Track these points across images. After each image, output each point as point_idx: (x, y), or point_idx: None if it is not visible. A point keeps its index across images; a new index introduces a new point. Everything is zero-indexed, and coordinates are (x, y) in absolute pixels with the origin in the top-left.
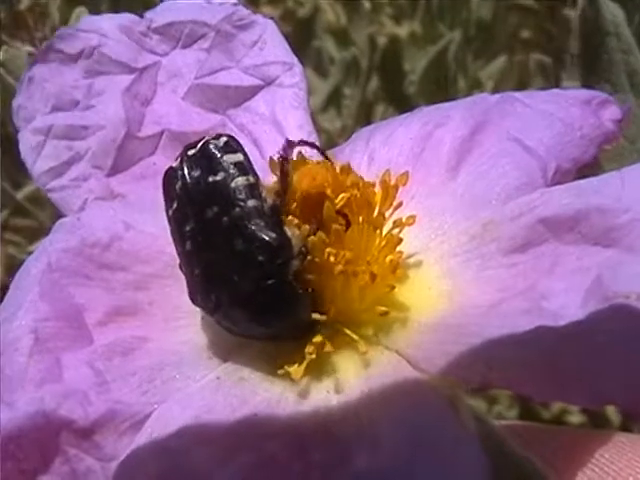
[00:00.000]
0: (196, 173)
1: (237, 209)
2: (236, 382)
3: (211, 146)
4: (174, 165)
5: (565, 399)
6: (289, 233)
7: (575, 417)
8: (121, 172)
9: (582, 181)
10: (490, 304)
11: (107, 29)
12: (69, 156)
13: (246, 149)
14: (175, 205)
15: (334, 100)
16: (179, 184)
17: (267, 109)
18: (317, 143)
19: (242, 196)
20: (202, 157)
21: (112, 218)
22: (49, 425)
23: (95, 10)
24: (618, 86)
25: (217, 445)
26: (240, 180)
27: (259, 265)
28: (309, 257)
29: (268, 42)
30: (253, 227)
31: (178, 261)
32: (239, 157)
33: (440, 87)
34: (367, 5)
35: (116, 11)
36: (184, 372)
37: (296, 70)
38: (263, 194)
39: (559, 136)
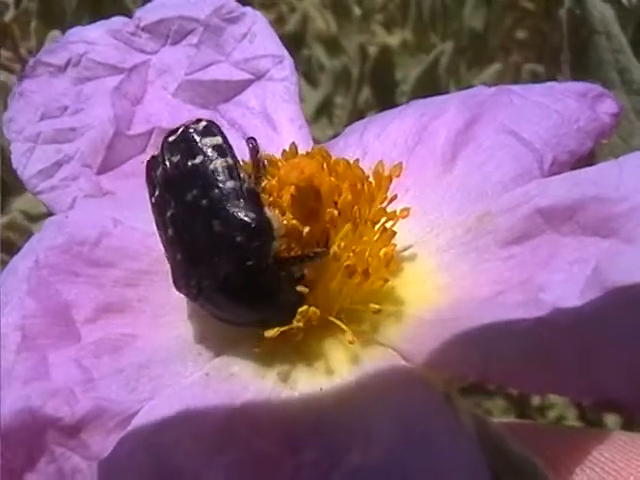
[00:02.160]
0: (176, 158)
1: (216, 190)
2: (226, 378)
3: (190, 131)
4: (155, 153)
5: (564, 393)
6: (269, 214)
7: (572, 424)
8: (110, 170)
9: (579, 171)
10: (486, 297)
11: (94, 36)
12: (58, 158)
13: (235, 142)
14: (157, 192)
15: (325, 109)
16: (160, 170)
17: (258, 103)
18: (309, 136)
19: (221, 177)
20: (181, 142)
21: (101, 215)
22: (35, 423)
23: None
24: (609, 83)
25: (206, 441)
26: (218, 162)
27: (238, 246)
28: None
29: (258, 35)
30: (231, 208)
31: (164, 250)
32: (218, 140)
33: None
34: (357, 12)
35: None
36: (173, 369)
37: (286, 63)
38: (242, 176)
39: (555, 128)
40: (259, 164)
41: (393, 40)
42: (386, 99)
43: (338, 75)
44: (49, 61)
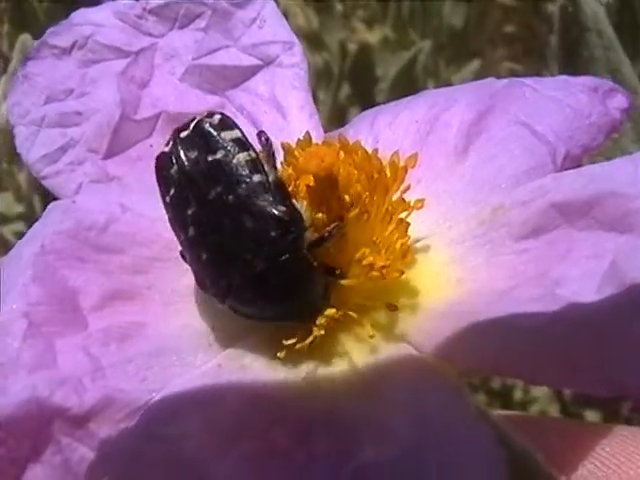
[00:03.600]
0: (193, 154)
1: (243, 185)
2: (238, 369)
3: (205, 125)
4: (166, 150)
5: (580, 388)
6: (298, 205)
7: None
8: (117, 155)
9: (594, 166)
10: (501, 291)
11: (100, 18)
12: (63, 142)
13: (245, 130)
14: (173, 191)
15: None
16: (175, 168)
17: (267, 90)
18: (319, 124)
19: (246, 172)
20: (197, 137)
21: (108, 200)
22: (42, 413)
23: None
24: None
25: (218, 433)
26: (241, 156)
27: (272, 241)
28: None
29: (267, 20)
30: (262, 203)
31: (180, 248)
32: (237, 133)
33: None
34: (339, 8)
35: None
36: (183, 358)
37: (296, 49)
38: (267, 169)
39: (568, 122)
40: (273, 157)
41: (373, 37)
42: (366, 96)
43: (319, 71)
44: (54, 43)
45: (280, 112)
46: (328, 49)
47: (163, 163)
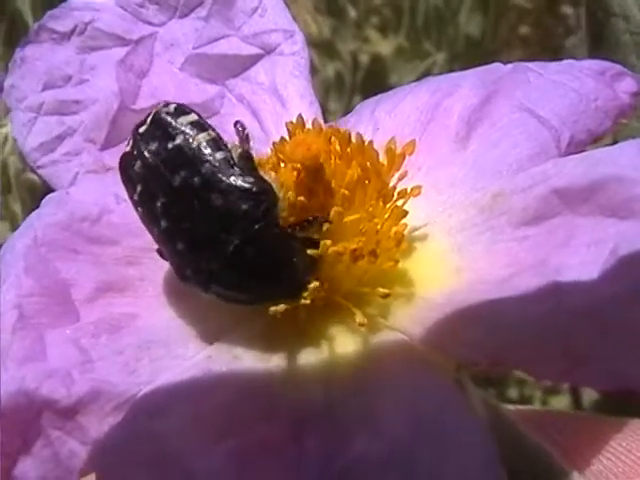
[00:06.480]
0: (153, 146)
1: (206, 165)
2: (229, 361)
3: (162, 115)
4: (127, 149)
5: (580, 381)
6: (265, 176)
7: None
8: (115, 145)
9: (596, 150)
10: (500, 279)
11: (101, 4)
12: (61, 131)
13: (243, 118)
14: (139, 187)
15: None
16: (138, 164)
17: (267, 78)
18: (320, 113)
19: (208, 151)
20: (155, 128)
21: (103, 191)
22: (30, 406)
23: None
24: (627, 65)
25: (208, 426)
26: (201, 136)
27: (244, 215)
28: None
29: (268, 9)
30: (228, 178)
31: (156, 247)
32: (193, 117)
33: None
34: (352, 14)
35: None
36: (173, 351)
37: (297, 38)
38: (229, 145)
39: (573, 106)
40: (247, 144)
41: (387, 46)
42: None
43: (331, 81)
44: (53, 27)
45: (280, 101)
46: (340, 58)
47: (126, 162)
